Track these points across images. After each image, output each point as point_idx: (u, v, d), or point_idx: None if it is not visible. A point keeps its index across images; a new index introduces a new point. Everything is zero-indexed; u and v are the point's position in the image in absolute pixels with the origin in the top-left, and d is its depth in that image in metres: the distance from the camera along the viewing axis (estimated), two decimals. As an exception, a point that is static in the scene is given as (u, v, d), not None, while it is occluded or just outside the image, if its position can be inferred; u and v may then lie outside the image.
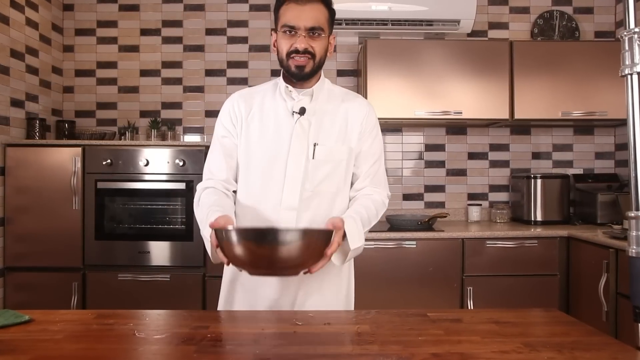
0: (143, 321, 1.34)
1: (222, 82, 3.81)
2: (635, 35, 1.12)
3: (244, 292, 1.65)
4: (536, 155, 3.89)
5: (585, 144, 3.89)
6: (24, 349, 1.13)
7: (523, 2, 3.88)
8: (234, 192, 1.69)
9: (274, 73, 3.80)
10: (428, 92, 3.38)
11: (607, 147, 3.89)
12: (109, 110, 3.82)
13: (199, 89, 3.83)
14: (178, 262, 3.09)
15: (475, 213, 3.69)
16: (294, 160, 1.59)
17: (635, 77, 1.12)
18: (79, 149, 3.10)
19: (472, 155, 3.87)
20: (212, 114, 3.74)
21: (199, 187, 1.67)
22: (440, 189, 3.86)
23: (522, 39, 3.81)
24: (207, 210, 1.51)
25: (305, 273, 1.39)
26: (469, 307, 3.02)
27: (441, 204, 3.85)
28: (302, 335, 1.23)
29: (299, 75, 1.58)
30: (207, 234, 1.46)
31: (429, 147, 3.86)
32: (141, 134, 3.77)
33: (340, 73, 3.85)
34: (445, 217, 3.41)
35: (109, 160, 3.11)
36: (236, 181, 1.69)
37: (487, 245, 3.06)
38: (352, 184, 1.72)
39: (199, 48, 3.83)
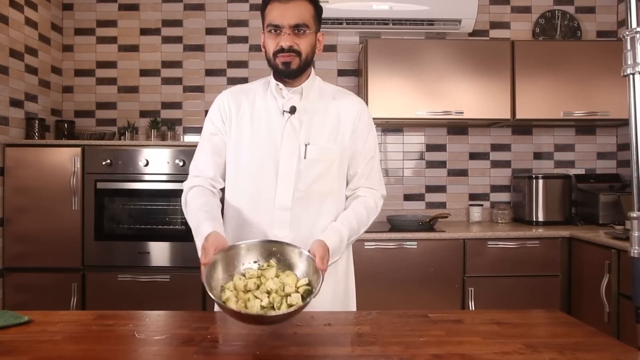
0: (143, 322, 1.34)
1: (222, 82, 3.81)
2: (638, 35, 1.12)
3: None
4: (538, 156, 3.88)
5: (587, 144, 3.88)
6: (23, 350, 1.13)
7: (524, 2, 3.87)
8: (221, 189, 1.69)
9: (275, 73, 3.79)
10: (429, 92, 3.37)
11: (609, 147, 3.88)
12: (109, 110, 3.81)
13: (199, 89, 3.82)
14: (178, 263, 3.08)
15: (476, 213, 3.68)
16: (285, 160, 1.59)
17: (637, 77, 1.12)
18: (79, 149, 3.09)
19: (473, 156, 3.86)
20: (213, 114, 3.72)
21: (186, 185, 1.66)
22: (441, 189, 3.85)
23: (524, 39, 3.81)
24: (197, 216, 1.52)
25: None
26: (470, 308, 3.01)
27: (442, 205, 3.85)
28: (303, 336, 1.23)
29: (286, 72, 1.58)
30: (199, 243, 1.45)
31: (430, 147, 3.86)
32: (141, 134, 3.77)
33: (341, 73, 3.84)
34: (446, 217, 3.40)
35: (108, 161, 3.10)
36: (223, 179, 1.68)
37: (489, 245, 3.05)
38: (347, 182, 1.71)
39: (199, 48, 3.83)
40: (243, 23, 3.83)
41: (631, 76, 1.12)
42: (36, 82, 3.45)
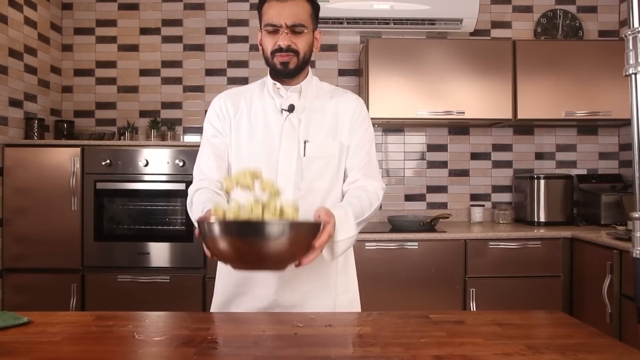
0: (142, 323, 1.34)
1: (222, 82, 3.80)
2: (640, 35, 1.11)
3: (240, 293, 1.63)
4: (539, 156, 3.87)
5: (589, 144, 3.87)
6: (23, 351, 1.12)
7: (526, 1, 3.86)
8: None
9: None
10: (430, 91, 3.36)
11: (611, 147, 3.87)
12: (108, 110, 3.81)
13: (199, 89, 3.82)
14: (178, 264, 3.08)
15: (477, 214, 3.67)
16: (285, 159, 1.59)
17: (639, 76, 1.11)
18: (78, 149, 3.09)
19: (474, 156, 3.86)
20: (213, 114, 3.72)
21: (191, 189, 1.63)
22: (442, 189, 3.85)
23: (525, 38, 3.80)
24: (201, 208, 1.49)
25: (296, 266, 1.33)
26: (472, 309, 3.01)
27: (443, 205, 3.84)
28: (303, 337, 1.22)
29: (284, 72, 1.58)
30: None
31: (431, 147, 3.85)
32: (141, 134, 3.76)
33: (342, 72, 3.83)
34: (447, 218, 3.40)
35: (108, 161, 3.09)
36: None
37: (490, 246, 3.04)
38: (344, 178, 1.70)
39: (199, 47, 3.82)
40: (243, 22, 3.83)
41: (633, 76, 1.12)
42: (35, 82, 3.45)
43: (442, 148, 3.85)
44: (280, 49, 1.55)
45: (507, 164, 3.87)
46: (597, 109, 3.38)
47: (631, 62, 1.12)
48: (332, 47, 3.82)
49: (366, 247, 3.01)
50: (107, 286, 3.06)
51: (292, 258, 1.28)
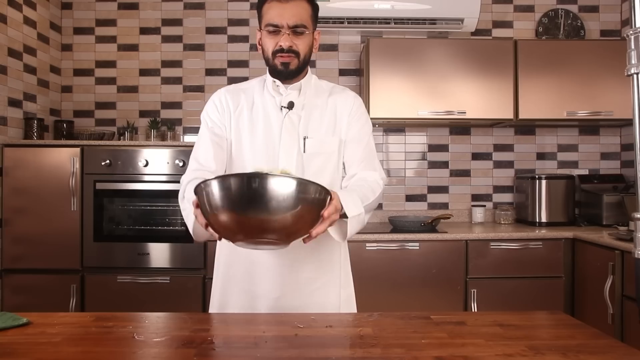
0: (142, 324, 1.34)
1: (222, 82, 3.79)
2: (641, 35, 1.11)
3: (238, 293, 1.62)
4: (541, 156, 3.86)
5: (591, 144, 3.86)
6: (22, 352, 1.12)
7: (528, 1, 3.85)
8: None
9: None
10: (431, 91, 3.36)
11: (612, 147, 3.86)
12: (108, 110, 3.80)
13: (199, 89, 3.81)
14: (178, 264, 3.07)
15: (479, 214, 3.67)
16: (285, 155, 1.59)
17: (641, 76, 1.11)
18: (78, 150, 3.08)
19: (476, 156, 3.85)
20: (213, 114, 3.71)
21: (184, 179, 1.58)
22: (443, 189, 3.84)
23: (527, 38, 3.79)
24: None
25: (305, 240, 1.30)
26: (473, 310, 3.00)
27: (444, 205, 3.83)
28: (304, 338, 1.22)
29: (285, 73, 1.59)
30: (191, 224, 1.42)
31: (432, 148, 3.84)
32: (140, 134, 3.76)
33: (343, 72, 3.83)
34: (448, 218, 3.39)
35: (107, 161, 3.09)
36: None
37: (491, 246, 3.04)
38: (345, 172, 1.70)
39: (199, 47, 3.81)
40: (243, 22, 3.82)
41: (635, 75, 1.12)
42: (35, 81, 3.44)
43: (443, 148, 3.84)
44: (281, 50, 1.55)
45: (509, 164, 3.86)
46: (599, 109, 3.37)
47: (633, 61, 1.12)
48: (332, 47, 3.81)
49: (367, 248, 3.01)
50: (107, 287, 3.05)
51: (299, 229, 1.19)
